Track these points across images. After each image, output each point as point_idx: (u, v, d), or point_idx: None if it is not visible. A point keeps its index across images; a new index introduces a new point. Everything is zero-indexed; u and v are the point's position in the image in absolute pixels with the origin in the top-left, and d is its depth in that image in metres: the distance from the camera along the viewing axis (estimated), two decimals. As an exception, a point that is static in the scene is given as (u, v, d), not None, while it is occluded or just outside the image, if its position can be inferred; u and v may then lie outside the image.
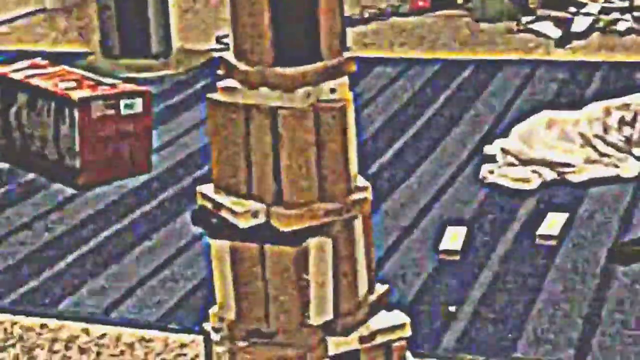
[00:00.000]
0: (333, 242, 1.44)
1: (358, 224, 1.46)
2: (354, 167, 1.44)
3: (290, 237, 1.39)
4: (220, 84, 1.42)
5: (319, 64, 1.37)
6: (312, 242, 1.41)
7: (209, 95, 1.43)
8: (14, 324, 2.02)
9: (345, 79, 1.40)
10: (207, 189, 1.47)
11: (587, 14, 4.07)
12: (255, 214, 1.40)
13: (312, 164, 1.38)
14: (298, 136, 1.37)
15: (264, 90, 1.38)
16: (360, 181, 1.48)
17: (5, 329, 2.00)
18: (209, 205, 1.45)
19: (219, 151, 1.43)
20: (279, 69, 1.37)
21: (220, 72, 1.40)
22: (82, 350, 1.90)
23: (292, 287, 1.42)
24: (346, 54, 1.40)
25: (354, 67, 1.41)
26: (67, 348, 1.91)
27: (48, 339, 1.95)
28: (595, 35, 3.94)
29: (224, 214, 1.43)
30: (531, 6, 4.36)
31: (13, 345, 1.93)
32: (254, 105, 1.38)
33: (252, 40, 1.36)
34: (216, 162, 1.44)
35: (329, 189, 1.40)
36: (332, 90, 1.39)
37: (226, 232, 1.43)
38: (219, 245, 1.45)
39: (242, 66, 1.39)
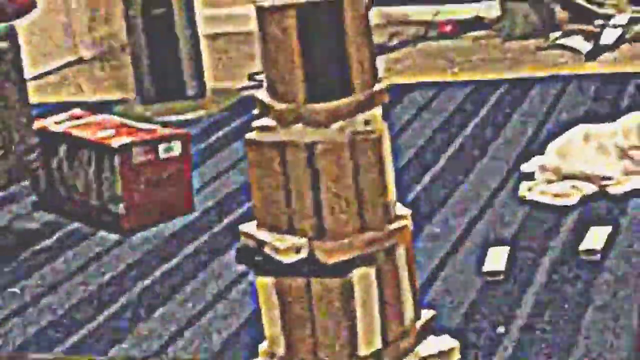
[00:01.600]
0: (377, 271, 1.45)
1: (400, 252, 1.48)
2: (392, 195, 1.45)
3: (334, 269, 1.41)
4: (256, 123, 1.45)
5: (351, 98, 1.40)
6: (356, 273, 1.43)
7: (246, 135, 1.46)
8: (69, 371, 2.05)
9: (378, 110, 1.43)
10: (250, 227, 1.50)
11: (616, 26, 4.07)
12: (298, 249, 1.42)
13: (351, 196, 1.41)
14: (335, 169, 1.39)
15: (299, 126, 1.41)
16: (400, 209, 1.50)
17: (60, 377, 2.03)
18: (252, 243, 1.47)
19: (258, 189, 1.45)
20: (312, 105, 1.39)
21: (255, 111, 1.43)
22: (137, 394, 1.93)
23: (339, 319, 1.44)
24: (378, 86, 1.43)
25: (386, 98, 1.43)
26: (122, 392, 1.94)
27: (103, 385, 1.98)
28: (625, 46, 3.94)
29: (267, 250, 1.45)
30: (558, 22, 4.37)
31: (69, 393, 1.97)
32: (290, 142, 1.41)
33: (284, 79, 1.39)
34: (257, 200, 1.46)
35: (369, 219, 1.42)
36: (367, 122, 1.41)
37: (270, 268, 1.45)
38: (265, 282, 1.47)
39: (276, 104, 1.41)
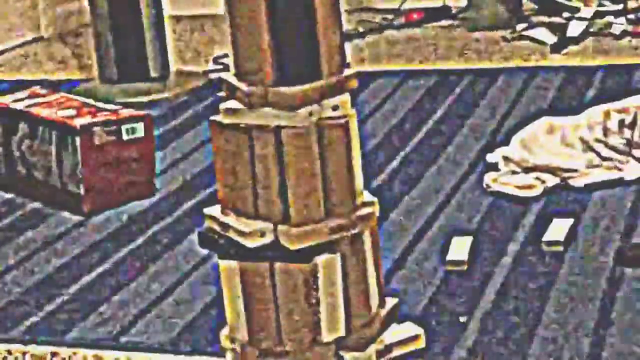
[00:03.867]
0: (342, 258, 1.44)
1: (366, 239, 1.47)
2: (359, 182, 1.44)
3: (298, 254, 1.40)
4: (222, 105, 1.43)
5: (320, 82, 1.38)
6: (320, 259, 1.42)
7: (212, 117, 1.44)
8: (24, 353, 2.02)
9: (347, 96, 1.41)
10: (214, 210, 1.48)
11: (581, 19, 4.09)
12: (262, 234, 1.41)
13: (317, 182, 1.39)
14: (302, 154, 1.37)
15: (266, 110, 1.39)
16: (367, 196, 1.48)
17: (16, 359, 2.00)
18: (216, 226, 1.45)
19: (224, 172, 1.43)
20: (280, 89, 1.37)
21: (221, 93, 1.41)
22: (95, 377, 1.91)
23: (302, 305, 1.43)
24: (347, 71, 1.41)
25: (355, 84, 1.41)
26: (79, 375, 1.92)
27: (60, 367, 1.95)
28: (590, 39, 3.95)
29: (231, 234, 1.43)
30: (525, 13, 4.38)
31: (26, 375, 1.94)
32: (257, 125, 1.39)
33: (252, 61, 1.37)
34: (222, 184, 1.44)
35: (336, 205, 1.41)
36: (335, 108, 1.39)
37: (235, 252, 1.43)
38: (228, 266, 1.46)
39: (243, 87, 1.39)
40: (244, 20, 1.36)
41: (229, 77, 1.44)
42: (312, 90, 1.37)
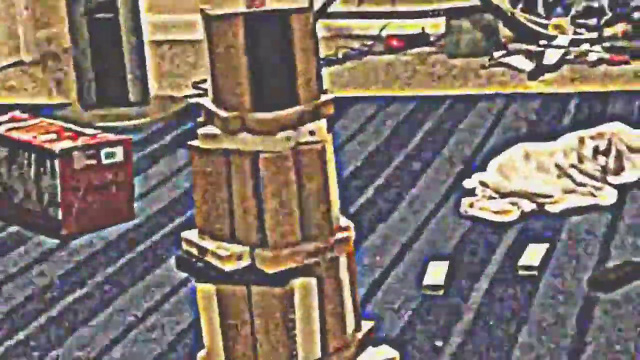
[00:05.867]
0: (318, 282, 1.46)
1: (342, 263, 1.49)
2: (335, 207, 1.46)
3: (274, 278, 1.41)
4: (201, 130, 1.45)
5: (297, 108, 1.40)
6: (297, 283, 1.43)
7: (189, 142, 1.45)
8: (2, 377, 2.02)
9: (323, 122, 1.43)
10: (192, 234, 1.49)
11: (558, 47, 4.14)
12: (239, 257, 1.42)
13: (294, 206, 1.41)
14: (279, 179, 1.39)
15: (244, 135, 1.41)
16: (343, 221, 1.50)
17: (-6, 383, 2.00)
18: (194, 250, 1.47)
19: (202, 197, 1.45)
20: (258, 115, 1.39)
21: (200, 119, 1.43)
22: (72, 401, 1.91)
23: (279, 328, 1.44)
24: (323, 97, 1.43)
25: (331, 110, 1.44)
26: (56, 399, 1.92)
27: (37, 391, 1.95)
28: (567, 67, 4.00)
29: (209, 258, 1.45)
30: (503, 41, 4.43)
31: (2, 399, 1.94)
32: (235, 150, 1.41)
33: (230, 87, 1.39)
34: (199, 208, 1.46)
35: (312, 229, 1.43)
36: (311, 133, 1.42)
37: (212, 276, 1.44)
38: (205, 290, 1.47)
39: (221, 112, 1.41)
40: (222, 46, 1.38)
41: (207, 102, 1.46)
42: (289, 115, 1.39)
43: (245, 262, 1.42)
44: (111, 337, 2.13)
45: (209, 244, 1.45)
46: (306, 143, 1.41)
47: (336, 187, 1.45)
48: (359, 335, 1.53)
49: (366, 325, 1.56)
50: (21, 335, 2.18)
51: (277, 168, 1.39)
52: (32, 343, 2.14)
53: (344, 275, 1.48)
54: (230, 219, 1.44)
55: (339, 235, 1.45)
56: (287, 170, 1.40)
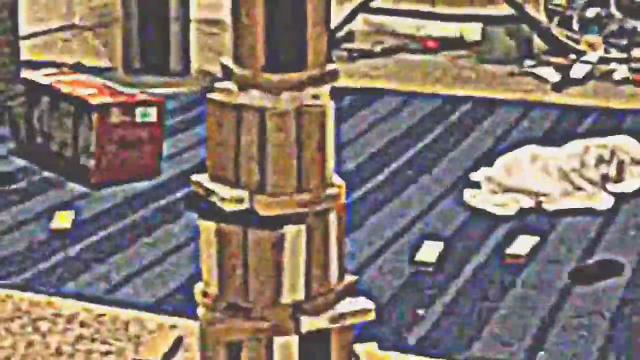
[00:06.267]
0: (307, 231, 1.63)
1: (332, 217, 1.66)
2: (330, 165, 1.64)
3: (269, 222, 1.59)
4: (218, 85, 1.63)
5: (304, 73, 1.58)
6: (288, 229, 1.61)
7: (208, 94, 1.63)
8: (22, 299, 2.22)
9: (327, 88, 1.61)
10: (201, 177, 1.67)
11: (586, 62, 4.28)
12: (239, 200, 1.60)
13: (292, 159, 1.59)
14: (281, 134, 1.57)
15: (254, 92, 1.59)
16: (336, 179, 1.68)
17: (14, 303, 2.20)
18: (201, 191, 1.65)
19: (213, 144, 1.63)
20: (268, 75, 1.57)
21: (220, 75, 1.61)
22: (82, 324, 2.10)
23: (268, 268, 1.62)
24: (329, 66, 1.61)
25: (337, 78, 1.61)
26: (68, 322, 2.11)
27: (52, 314, 2.15)
28: (592, 82, 4.14)
29: (213, 199, 1.63)
30: (535, 51, 4.57)
31: (21, 317, 2.13)
32: (245, 105, 1.59)
33: (246, 48, 1.57)
34: (210, 154, 1.64)
35: (306, 182, 1.60)
36: (315, 96, 1.59)
37: (214, 215, 1.62)
38: (207, 227, 1.65)
39: (237, 70, 1.59)
40: (243, 12, 1.56)
41: (227, 60, 1.64)
42: (297, 78, 1.56)
43: (244, 206, 1.60)
44: (124, 276, 2.32)
45: (214, 187, 1.63)
46: (309, 105, 1.59)
47: (332, 148, 1.62)
48: (341, 285, 1.70)
49: (348, 278, 1.73)
50: (41, 266, 2.38)
51: (280, 124, 1.57)
52: (52, 274, 2.34)
53: (332, 227, 1.65)
54: (236, 167, 1.62)
55: (330, 190, 1.62)
56: (290, 127, 1.57)
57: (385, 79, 4.12)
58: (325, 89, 1.61)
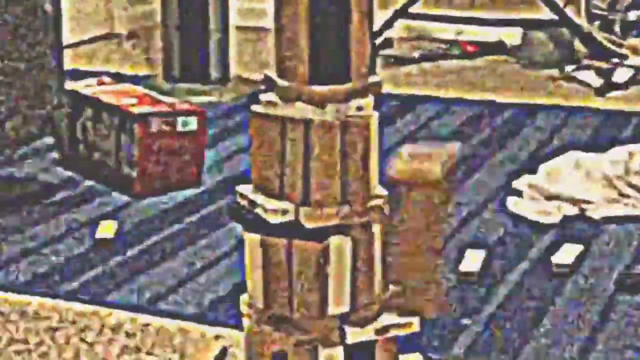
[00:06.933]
0: (352, 242, 1.63)
1: (376, 228, 1.66)
2: (374, 177, 1.63)
3: (313, 234, 1.59)
4: (262, 97, 1.63)
5: (348, 85, 1.58)
6: (333, 240, 1.61)
7: (252, 107, 1.64)
8: (68, 309, 2.24)
9: (371, 99, 1.60)
10: (245, 188, 1.68)
11: (629, 66, 4.24)
12: (284, 212, 1.60)
13: (337, 171, 1.58)
14: (326, 146, 1.57)
15: (299, 104, 1.59)
16: (381, 190, 1.67)
17: (60, 313, 2.22)
18: (246, 203, 1.65)
19: (257, 156, 1.63)
20: (313, 87, 1.57)
21: (263, 87, 1.61)
22: (128, 335, 2.11)
23: (313, 280, 1.62)
24: (373, 78, 1.61)
25: (380, 90, 1.61)
26: (114, 332, 2.13)
27: (98, 324, 2.16)
28: (635, 87, 4.10)
29: (257, 211, 1.63)
30: (577, 56, 4.54)
31: (67, 327, 2.15)
32: (290, 117, 1.59)
33: (291, 61, 1.57)
34: (254, 166, 1.64)
35: (351, 193, 1.60)
36: (359, 108, 1.59)
37: (259, 227, 1.63)
38: (252, 239, 1.65)
39: (281, 83, 1.59)
40: (286, 24, 1.56)
41: (271, 73, 1.64)
42: (341, 90, 1.56)
43: (289, 217, 1.60)
44: (167, 287, 2.33)
45: (259, 199, 1.63)
46: (353, 117, 1.58)
47: (376, 160, 1.62)
48: (385, 296, 1.70)
49: (393, 288, 1.72)
50: (86, 276, 2.39)
51: (325, 136, 1.57)
52: (96, 284, 2.35)
53: (377, 239, 1.65)
54: (280, 178, 1.62)
55: (375, 202, 1.62)
56: (334, 139, 1.57)
57: (424, 85, 4.11)
58: (369, 100, 1.60)
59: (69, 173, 3.11)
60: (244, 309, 1.72)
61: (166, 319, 2.18)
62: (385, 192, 1.65)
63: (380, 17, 4.92)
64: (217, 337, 2.10)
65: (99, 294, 2.30)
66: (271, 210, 1.60)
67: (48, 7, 3.08)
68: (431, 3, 4.96)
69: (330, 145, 1.57)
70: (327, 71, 1.57)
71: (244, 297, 1.72)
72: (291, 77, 1.59)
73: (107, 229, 2.63)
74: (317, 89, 1.57)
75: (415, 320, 1.70)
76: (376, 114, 1.61)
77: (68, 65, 4.50)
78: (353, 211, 1.60)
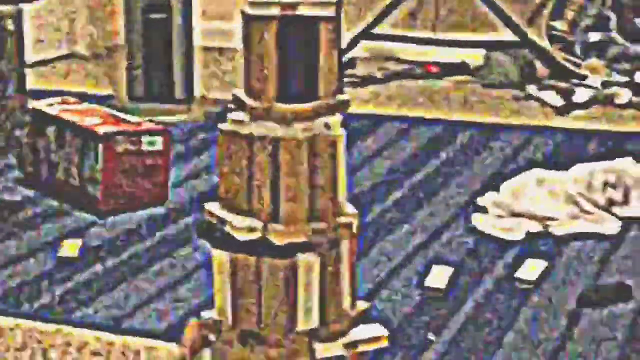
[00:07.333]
0: (321, 259, 1.64)
1: (344, 245, 1.67)
2: (342, 194, 1.64)
3: (282, 251, 1.60)
4: (230, 116, 1.64)
5: (316, 103, 1.59)
6: (301, 257, 1.62)
7: (220, 125, 1.65)
8: (31, 329, 2.22)
9: (339, 117, 1.62)
10: (213, 206, 1.68)
11: (589, 87, 4.30)
12: (253, 230, 1.61)
13: (305, 189, 1.59)
14: (294, 163, 1.58)
15: (267, 123, 1.60)
16: (349, 208, 1.68)
17: (24, 333, 2.20)
18: (214, 220, 1.66)
19: (225, 173, 1.64)
20: (281, 106, 1.58)
21: (231, 106, 1.62)
22: (93, 354, 2.10)
23: (282, 296, 1.62)
24: (341, 96, 1.62)
25: (347, 108, 1.62)
26: (79, 351, 2.11)
27: (62, 344, 2.15)
28: (596, 106, 4.16)
29: (226, 228, 1.63)
30: (538, 77, 4.59)
31: (31, 347, 2.13)
32: (258, 135, 1.60)
33: (259, 79, 1.58)
34: (223, 183, 1.65)
35: (319, 211, 1.61)
36: (327, 126, 1.60)
37: (227, 244, 1.63)
38: (221, 257, 1.66)
39: (249, 102, 1.60)
40: (255, 44, 1.57)
41: (239, 92, 1.65)
42: (309, 109, 1.58)
43: (257, 235, 1.61)
44: (134, 305, 2.33)
45: (227, 216, 1.63)
46: (321, 135, 1.60)
47: (345, 177, 1.63)
48: (354, 312, 1.71)
49: (361, 305, 1.74)
50: (50, 296, 2.38)
51: (293, 154, 1.58)
52: (61, 303, 2.34)
53: (345, 256, 1.66)
54: (249, 196, 1.62)
55: (343, 219, 1.63)
56: (302, 157, 1.58)
57: (388, 105, 4.14)
58: (337, 118, 1.62)
59: (32, 192, 3.09)
60: (211, 326, 1.72)
61: (132, 337, 2.17)
62: (354, 210, 1.67)
63: (345, 37, 4.95)
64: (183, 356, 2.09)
65: (63, 313, 2.28)
66: (239, 228, 1.61)
67: (11, 26, 3.07)
68: (395, 24, 5.00)
69: (298, 162, 1.59)
70: (295, 90, 1.58)
71: (212, 315, 1.72)
72: (260, 96, 1.60)
73: (71, 249, 2.62)
74: (285, 107, 1.58)
75: (385, 334, 1.71)
76: (344, 132, 1.63)
77: (31, 84, 4.47)
78: (321, 228, 1.61)
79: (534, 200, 2.83)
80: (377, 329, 1.71)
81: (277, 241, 1.60)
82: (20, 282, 2.46)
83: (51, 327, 2.22)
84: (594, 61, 4.55)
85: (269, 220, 1.61)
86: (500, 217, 2.81)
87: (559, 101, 4.20)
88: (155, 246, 2.68)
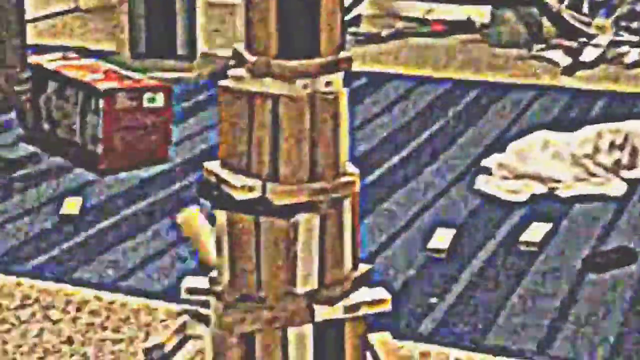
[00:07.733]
0: (321, 219, 1.61)
1: (346, 205, 1.63)
2: (344, 153, 1.61)
3: (281, 210, 1.57)
4: (230, 72, 1.60)
5: (317, 60, 1.55)
6: (301, 217, 1.58)
7: (220, 82, 1.61)
8: (31, 287, 2.20)
9: (340, 75, 1.58)
10: (213, 164, 1.65)
11: (597, 45, 4.24)
12: (251, 189, 1.57)
13: (305, 147, 1.56)
14: (295, 121, 1.54)
15: (267, 79, 1.56)
16: (350, 167, 1.65)
17: (23, 291, 2.18)
18: (213, 179, 1.63)
19: (225, 131, 1.60)
20: (282, 62, 1.54)
21: (232, 62, 1.58)
22: (93, 313, 2.08)
23: (281, 257, 1.60)
24: (342, 53, 1.58)
25: (350, 66, 1.58)
26: (78, 310, 2.09)
27: (62, 301, 2.13)
28: (603, 66, 4.10)
29: (225, 187, 1.60)
30: (545, 35, 4.53)
31: (31, 305, 2.12)
32: (258, 92, 1.56)
33: (260, 35, 1.54)
34: (222, 142, 1.62)
35: (320, 170, 1.58)
36: (328, 84, 1.56)
37: (226, 203, 1.60)
38: (220, 216, 1.63)
39: (250, 57, 1.57)
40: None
41: (240, 47, 1.61)
42: (310, 65, 1.53)
43: (256, 194, 1.58)
44: (134, 263, 2.30)
45: (226, 175, 1.60)
46: (322, 92, 1.56)
47: (346, 135, 1.60)
48: (355, 274, 1.68)
49: (363, 267, 1.71)
50: (50, 254, 2.36)
51: (294, 111, 1.54)
52: (62, 260, 2.32)
53: (346, 216, 1.63)
54: (248, 154, 1.59)
55: (344, 178, 1.60)
56: (303, 114, 1.55)
57: (393, 63, 4.09)
58: (338, 76, 1.58)
59: (33, 149, 3.06)
60: (210, 286, 1.69)
61: (132, 297, 2.15)
62: (355, 170, 1.63)
63: (349, -6, 4.88)
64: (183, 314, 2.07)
65: (63, 271, 2.26)
66: (238, 187, 1.58)
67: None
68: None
69: (298, 120, 1.55)
70: (296, 46, 1.54)
71: (210, 275, 1.69)
72: (260, 51, 1.56)
73: (71, 206, 2.59)
74: (286, 63, 1.54)
75: (387, 298, 1.68)
76: (346, 90, 1.59)
77: (31, 40, 4.43)
78: (322, 188, 1.58)
79: (539, 162, 2.79)
80: (379, 292, 1.69)
81: (276, 201, 1.56)
82: (20, 240, 2.43)
83: (51, 286, 2.20)
84: (602, 20, 4.48)
85: (268, 179, 1.58)
86: (504, 178, 2.78)
87: (565, 60, 4.14)
88: (156, 205, 2.65)
